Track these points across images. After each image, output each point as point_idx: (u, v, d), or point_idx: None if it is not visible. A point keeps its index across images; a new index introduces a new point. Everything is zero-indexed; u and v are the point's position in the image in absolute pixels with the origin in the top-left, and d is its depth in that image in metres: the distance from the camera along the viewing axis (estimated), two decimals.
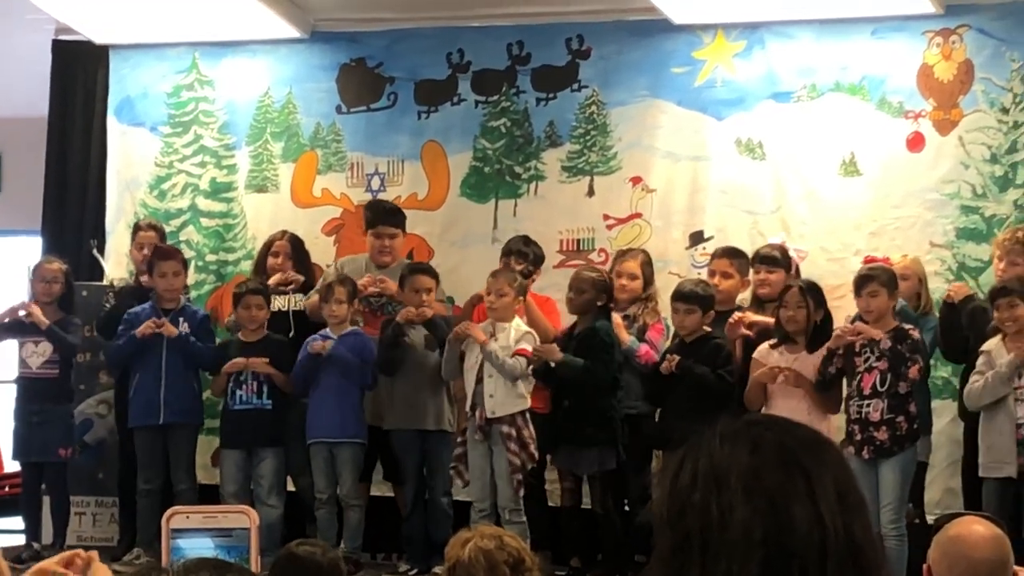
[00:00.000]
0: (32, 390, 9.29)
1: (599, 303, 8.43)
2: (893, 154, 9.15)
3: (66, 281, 9.40)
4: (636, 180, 9.60)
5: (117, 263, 10.31)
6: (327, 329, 8.83)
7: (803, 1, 9.18)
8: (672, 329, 8.50)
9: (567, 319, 8.75)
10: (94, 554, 2.75)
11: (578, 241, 9.66)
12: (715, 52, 9.51)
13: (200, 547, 4.08)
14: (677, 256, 9.45)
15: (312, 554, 4.32)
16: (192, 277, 9.86)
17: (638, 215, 9.59)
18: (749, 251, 8.82)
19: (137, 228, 9.84)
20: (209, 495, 8.95)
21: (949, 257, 8.99)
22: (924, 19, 9.12)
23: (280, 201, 10.22)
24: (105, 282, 10.10)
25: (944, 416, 8.65)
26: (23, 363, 9.32)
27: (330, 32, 10.21)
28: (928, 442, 8.39)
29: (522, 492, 8.24)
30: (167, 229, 10.01)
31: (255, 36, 10.21)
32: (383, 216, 9.34)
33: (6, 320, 9.27)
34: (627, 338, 8.50)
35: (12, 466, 10.30)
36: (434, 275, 8.92)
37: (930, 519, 7.96)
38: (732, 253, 8.78)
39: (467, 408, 8.40)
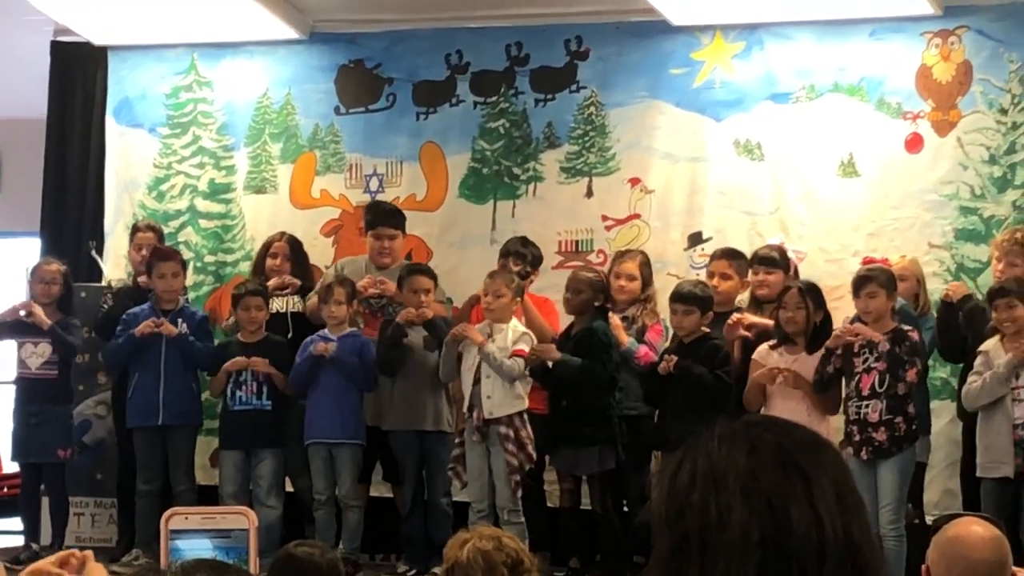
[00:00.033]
0: (31, 391, 9.28)
1: (596, 303, 8.43)
2: (892, 155, 9.16)
3: (65, 282, 9.40)
4: (635, 181, 9.60)
5: (116, 264, 10.31)
6: (326, 330, 8.83)
7: (802, 2, 9.19)
8: (671, 330, 8.50)
9: (566, 320, 8.75)
10: (89, 554, 2.75)
11: (577, 242, 9.66)
12: (714, 53, 9.52)
13: (199, 548, 4.08)
14: (676, 257, 9.45)
15: (311, 555, 4.33)
16: (191, 278, 9.85)
17: (636, 216, 9.59)
18: (748, 252, 8.82)
19: (136, 229, 9.84)
20: (208, 496, 8.95)
21: (948, 258, 9.00)
22: (923, 20, 9.13)
23: (279, 202, 10.22)
24: (103, 283, 10.10)
25: (943, 417, 8.66)
26: (22, 364, 9.31)
27: (329, 33, 10.21)
28: (927, 443, 8.40)
29: (520, 493, 8.23)
30: (166, 230, 10.01)
31: (254, 37, 10.22)
32: (383, 217, 9.34)
33: (8, 320, 9.26)
34: (626, 339, 8.51)
35: (11, 467, 10.30)
36: (432, 276, 8.92)
37: (929, 520, 7.94)
38: (731, 254, 8.78)
39: (464, 409, 8.40)
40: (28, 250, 11.01)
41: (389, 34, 10.09)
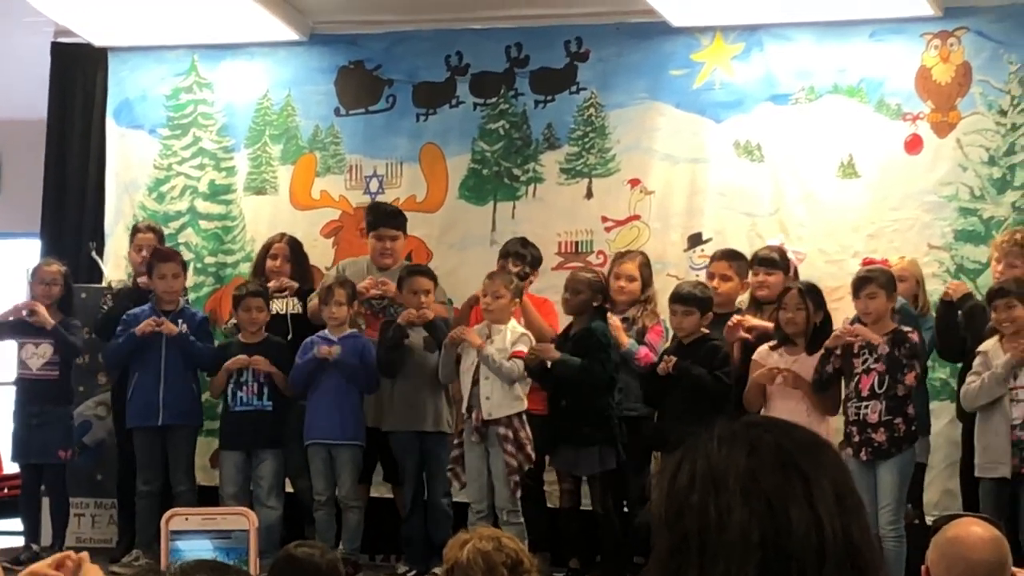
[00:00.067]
0: (32, 392, 9.28)
1: (595, 304, 8.43)
2: (891, 156, 9.16)
3: (65, 283, 9.39)
4: (634, 182, 9.60)
5: (116, 265, 10.31)
6: (326, 331, 8.83)
7: (801, 3, 9.19)
8: (671, 331, 8.50)
9: (565, 320, 8.75)
10: (84, 556, 2.76)
11: (576, 243, 9.66)
12: (713, 54, 9.52)
13: (199, 549, 4.08)
14: (675, 258, 9.45)
15: (310, 556, 4.33)
16: (191, 279, 9.85)
17: (636, 217, 9.59)
18: (748, 253, 8.81)
19: (136, 230, 9.84)
20: (208, 497, 8.95)
21: (947, 259, 9.00)
22: (922, 21, 9.13)
23: (279, 203, 10.22)
24: (103, 284, 10.10)
25: (943, 417, 8.66)
26: (23, 364, 9.31)
27: (329, 34, 10.21)
28: (927, 443, 8.40)
29: (519, 493, 8.24)
30: (166, 231, 10.01)
31: (254, 39, 10.22)
32: (385, 218, 9.35)
33: (10, 319, 9.26)
34: (627, 341, 8.51)
35: (11, 468, 10.30)
36: (432, 277, 8.92)
37: (929, 520, 7.95)
38: (731, 256, 8.78)
39: (463, 410, 8.40)
40: (28, 251, 11.01)
41: (389, 35, 10.09)
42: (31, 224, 10.84)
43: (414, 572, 8.66)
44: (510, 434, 8.21)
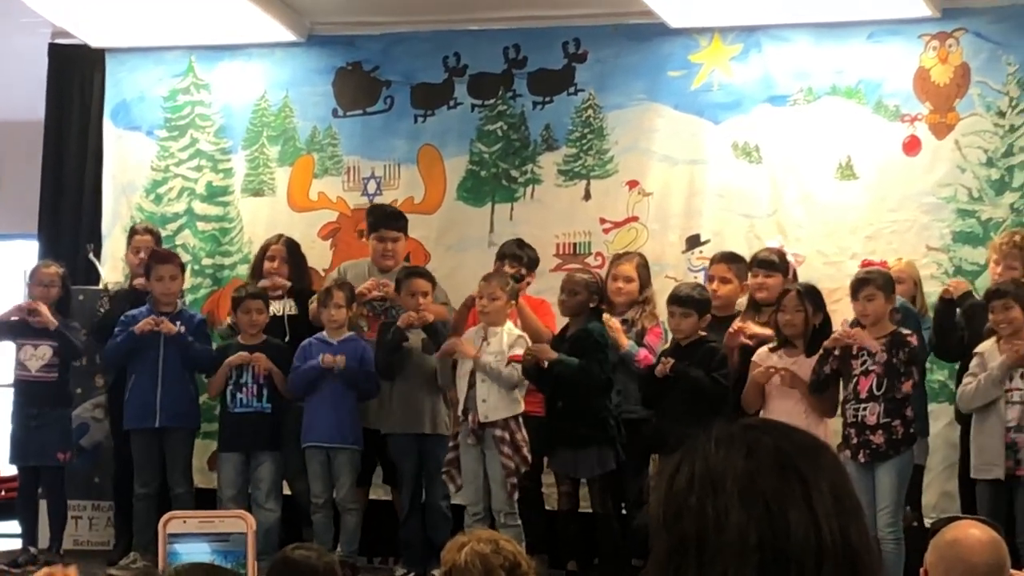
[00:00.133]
0: (30, 393, 9.26)
1: (592, 305, 8.42)
2: (889, 158, 9.16)
3: (63, 285, 9.38)
4: (632, 184, 9.60)
5: (113, 267, 10.30)
6: (323, 333, 8.82)
7: (799, 4, 9.18)
8: (670, 333, 8.50)
9: (562, 322, 8.74)
10: (72, 571, 2.77)
11: (574, 245, 9.66)
12: (711, 56, 9.52)
13: (197, 552, 4.08)
14: (673, 260, 9.45)
15: (308, 558, 4.32)
16: (188, 281, 9.83)
17: (634, 219, 9.59)
18: (746, 254, 8.80)
19: (133, 232, 9.83)
20: (205, 499, 8.94)
21: (945, 260, 9.00)
22: (920, 23, 9.13)
23: (276, 205, 10.21)
24: (101, 286, 10.08)
25: (941, 419, 8.66)
26: (21, 366, 9.28)
27: (326, 36, 10.21)
28: (925, 445, 8.40)
29: (516, 496, 8.22)
30: (163, 233, 10.00)
31: (251, 40, 10.21)
32: (386, 220, 9.34)
33: (12, 319, 9.24)
34: (626, 342, 8.50)
35: (9, 470, 10.28)
36: (430, 278, 8.91)
37: (927, 522, 7.95)
38: (730, 258, 8.77)
39: (459, 412, 8.39)
40: (26, 252, 11.00)
41: (387, 36, 10.08)
42: (28, 225, 10.84)
43: (412, 574, 8.65)
44: (506, 436, 8.20)
